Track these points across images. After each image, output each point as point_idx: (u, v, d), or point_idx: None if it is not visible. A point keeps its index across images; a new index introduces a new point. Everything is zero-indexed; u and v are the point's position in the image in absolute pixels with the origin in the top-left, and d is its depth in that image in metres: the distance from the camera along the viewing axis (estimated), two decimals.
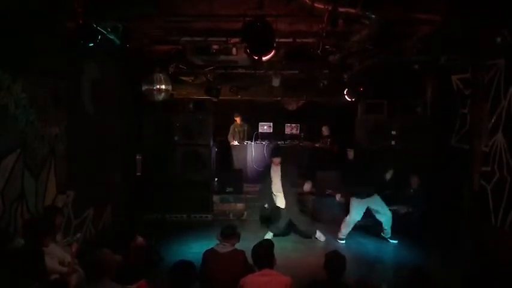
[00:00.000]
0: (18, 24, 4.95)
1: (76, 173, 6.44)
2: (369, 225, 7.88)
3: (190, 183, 9.05)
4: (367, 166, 7.48)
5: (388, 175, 7.40)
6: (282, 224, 7.67)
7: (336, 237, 7.63)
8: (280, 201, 7.59)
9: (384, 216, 7.44)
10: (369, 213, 7.58)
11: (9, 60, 4.83)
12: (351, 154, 7.78)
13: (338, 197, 8.26)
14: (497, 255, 5.70)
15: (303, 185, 8.12)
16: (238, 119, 11.58)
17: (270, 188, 7.60)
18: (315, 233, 7.70)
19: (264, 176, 7.82)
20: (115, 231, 7.52)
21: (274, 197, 7.64)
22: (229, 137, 11.45)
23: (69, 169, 6.26)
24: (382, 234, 7.61)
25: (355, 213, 7.43)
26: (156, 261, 5.25)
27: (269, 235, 7.57)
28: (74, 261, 4.62)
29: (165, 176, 9.05)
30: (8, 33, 4.79)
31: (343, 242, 7.56)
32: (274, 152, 7.90)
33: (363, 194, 7.36)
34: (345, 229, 7.55)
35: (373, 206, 7.43)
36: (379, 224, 7.56)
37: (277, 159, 7.55)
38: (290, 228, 7.88)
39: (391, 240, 7.53)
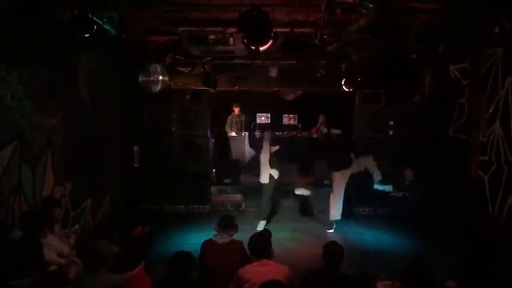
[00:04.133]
0: (13, 15, 4.90)
1: (73, 164, 6.43)
2: (367, 216, 7.91)
3: (188, 174, 9.05)
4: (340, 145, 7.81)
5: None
6: (265, 202, 7.83)
7: (329, 222, 7.68)
8: (270, 172, 7.71)
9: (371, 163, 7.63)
10: (368, 204, 7.67)
11: (4, 51, 4.80)
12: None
13: None
14: (495, 244, 5.73)
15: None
16: (236, 110, 11.54)
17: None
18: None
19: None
20: (115, 222, 7.52)
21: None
22: (227, 128, 11.41)
23: (67, 160, 6.25)
24: (375, 187, 7.82)
25: (338, 190, 7.60)
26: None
27: (261, 225, 7.60)
28: (72, 253, 4.62)
29: (162, 167, 9.03)
30: (3, 24, 4.74)
31: (332, 230, 7.60)
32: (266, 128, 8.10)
33: (340, 166, 7.61)
34: (336, 209, 7.61)
35: (356, 170, 7.63)
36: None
37: (267, 134, 7.82)
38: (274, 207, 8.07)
39: (385, 186, 7.79)
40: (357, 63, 8.64)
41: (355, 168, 7.62)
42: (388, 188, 7.75)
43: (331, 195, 7.72)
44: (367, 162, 7.64)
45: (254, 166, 7.99)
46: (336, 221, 7.67)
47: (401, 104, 9.26)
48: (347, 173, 7.65)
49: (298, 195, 8.28)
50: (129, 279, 3.62)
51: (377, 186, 7.82)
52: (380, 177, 7.69)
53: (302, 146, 11.13)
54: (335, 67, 9.15)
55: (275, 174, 7.73)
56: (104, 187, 7.84)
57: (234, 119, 11.53)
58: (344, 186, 7.68)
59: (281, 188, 7.99)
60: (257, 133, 11.06)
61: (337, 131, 7.70)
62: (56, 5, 5.24)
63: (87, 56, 6.98)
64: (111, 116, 8.07)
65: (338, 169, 7.68)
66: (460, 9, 5.58)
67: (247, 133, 11.11)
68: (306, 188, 7.88)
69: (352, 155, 7.78)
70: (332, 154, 7.93)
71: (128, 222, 4.86)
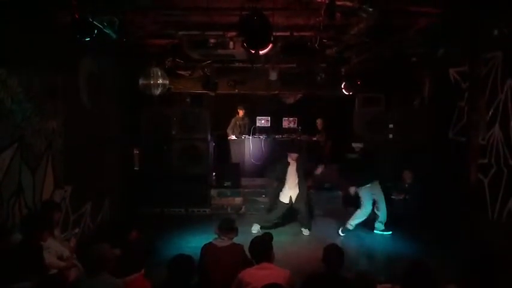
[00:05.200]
0: (13, 18, 4.92)
1: (73, 167, 6.43)
2: (367, 219, 7.90)
3: (188, 177, 9.04)
4: (369, 157, 7.59)
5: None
6: (273, 216, 7.78)
7: (342, 227, 7.62)
8: (291, 194, 7.63)
9: (382, 204, 7.55)
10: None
11: (5, 54, 4.81)
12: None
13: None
14: (495, 247, 5.73)
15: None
16: (241, 112, 11.55)
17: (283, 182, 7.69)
18: (306, 227, 7.77)
19: (274, 171, 7.84)
20: (113, 225, 7.54)
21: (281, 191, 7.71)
22: (229, 130, 11.40)
23: (67, 163, 6.26)
24: (375, 230, 7.65)
25: (368, 204, 7.51)
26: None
27: (256, 228, 7.60)
28: (72, 256, 4.62)
29: (162, 170, 9.03)
30: (3, 27, 4.76)
31: (344, 234, 7.58)
32: (292, 148, 8.08)
33: (368, 181, 7.48)
34: (355, 220, 7.56)
35: (376, 194, 7.53)
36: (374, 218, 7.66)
37: (294, 155, 7.64)
38: (280, 222, 7.97)
39: (385, 233, 7.58)
40: (356, 67, 8.66)
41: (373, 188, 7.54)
42: (387, 234, 7.58)
43: (357, 210, 7.62)
44: (378, 193, 7.56)
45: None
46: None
47: (401, 107, 9.27)
48: (372, 188, 7.54)
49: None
50: (128, 283, 3.62)
51: (377, 230, 7.64)
52: (384, 220, 7.59)
53: (302, 149, 11.13)
54: (335, 70, 9.18)
55: (294, 196, 7.63)
56: (103, 190, 7.84)
57: (238, 122, 11.54)
58: (371, 200, 7.54)
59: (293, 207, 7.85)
60: (257, 136, 11.07)
61: (359, 145, 7.56)
62: (57, 9, 5.26)
63: (88, 59, 6.99)
64: (111, 119, 8.08)
65: (364, 184, 7.55)
66: (460, 13, 5.60)
67: (246, 136, 11.13)
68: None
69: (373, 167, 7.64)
70: (356, 170, 7.64)
71: (124, 226, 4.86)
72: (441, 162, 8.05)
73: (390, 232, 7.57)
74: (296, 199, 7.66)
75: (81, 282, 3.66)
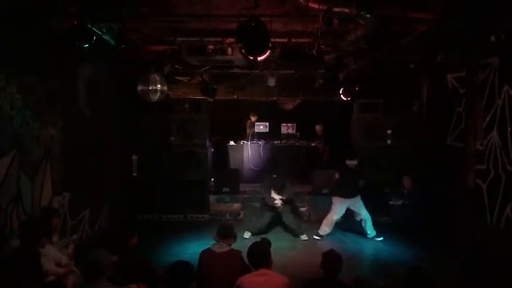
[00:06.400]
0: (12, 25, 4.94)
1: (72, 174, 6.43)
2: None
3: (186, 183, 9.04)
4: (355, 169, 7.72)
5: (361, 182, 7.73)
6: (263, 223, 7.82)
7: (317, 233, 7.73)
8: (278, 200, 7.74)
9: (363, 218, 7.64)
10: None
11: (4, 61, 4.82)
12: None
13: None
14: (494, 252, 5.73)
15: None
16: (253, 118, 11.86)
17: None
18: (302, 233, 7.81)
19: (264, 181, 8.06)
20: (111, 231, 7.51)
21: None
22: (248, 129, 11.81)
23: (65, 170, 6.26)
24: (367, 235, 7.70)
25: (336, 213, 7.67)
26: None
27: (247, 234, 7.60)
28: (70, 262, 4.61)
29: (161, 177, 9.03)
30: (2, 33, 4.77)
31: (319, 238, 7.69)
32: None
33: (346, 194, 7.61)
34: (326, 227, 7.71)
35: (353, 208, 7.66)
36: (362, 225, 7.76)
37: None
38: (270, 227, 8.00)
39: (376, 238, 7.65)
40: (354, 73, 8.67)
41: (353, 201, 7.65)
42: (378, 239, 7.66)
43: (327, 215, 7.77)
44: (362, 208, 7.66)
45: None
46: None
47: (399, 113, 9.30)
48: (349, 202, 7.65)
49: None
50: None
51: (369, 235, 7.74)
52: (368, 229, 7.70)
53: (301, 154, 11.16)
54: (333, 76, 9.19)
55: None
56: (102, 197, 7.83)
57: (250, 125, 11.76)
58: (342, 213, 7.71)
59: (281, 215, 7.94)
60: (255, 142, 11.11)
61: (354, 162, 7.67)
62: (56, 16, 5.27)
63: (87, 65, 7.01)
64: (110, 126, 8.08)
65: (344, 196, 7.67)
66: (457, 19, 5.62)
67: (245, 142, 11.17)
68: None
69: (360, 182, 7.73)
70: (345, 182, 7.77)
71: (122, 232, 4.85)
72: (440, 167, 8.06)
73: (381, 238, 7.64)
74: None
75: None
